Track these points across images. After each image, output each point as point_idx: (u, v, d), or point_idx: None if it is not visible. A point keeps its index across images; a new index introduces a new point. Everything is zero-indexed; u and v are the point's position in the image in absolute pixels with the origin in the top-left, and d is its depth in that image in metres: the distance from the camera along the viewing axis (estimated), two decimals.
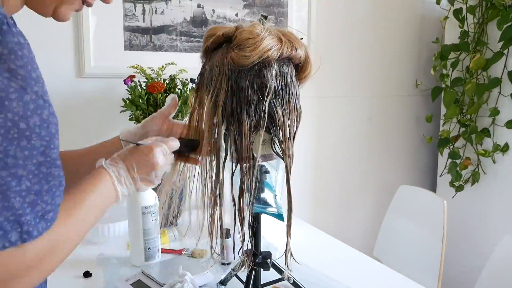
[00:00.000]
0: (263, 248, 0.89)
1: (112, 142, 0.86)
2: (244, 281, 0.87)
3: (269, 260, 0.87)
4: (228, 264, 1.09)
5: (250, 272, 0.85)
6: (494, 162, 1.73)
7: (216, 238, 0.78)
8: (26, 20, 0.76)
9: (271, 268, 0.87)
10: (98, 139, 0.95)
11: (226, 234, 1.08)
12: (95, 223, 0.64)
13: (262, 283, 0.90)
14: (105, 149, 0.85)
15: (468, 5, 1.74)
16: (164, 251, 1.16)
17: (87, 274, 1.04)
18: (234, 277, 0.94)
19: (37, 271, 0.51)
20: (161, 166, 0.70)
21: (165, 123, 0.85)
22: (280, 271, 0.89)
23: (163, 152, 0.71)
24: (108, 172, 0.66)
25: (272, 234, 1.24)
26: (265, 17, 0.76)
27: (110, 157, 0.71)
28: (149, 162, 0.69)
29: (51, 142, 0.50)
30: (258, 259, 0.85)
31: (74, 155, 0.85)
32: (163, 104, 1.29)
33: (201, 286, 0.97)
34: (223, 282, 0.94)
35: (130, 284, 0.95)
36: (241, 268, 0.83)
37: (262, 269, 0.88)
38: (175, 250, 1.18)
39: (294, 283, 0.89)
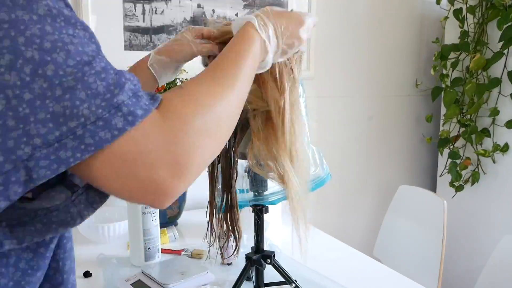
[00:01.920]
0: (267, 249, 0.89)
1: (141, 69, 0.75)
2: (253, 279, 0.86)
3: (269, 259, 0.86)
4: (228, 264, 1.09)
5: (245, 269, 0.86)
6: (494, 162, 1.73)
7: (219, 238, 0.78)
8: None
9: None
10: None
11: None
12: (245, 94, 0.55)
13: (265, 282, 0.90)
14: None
15: (468, 5, 1.74)
16: (164, 251, 1.16)
17: (87, 274, 1.04)
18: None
19: (181, 145, 0.42)
20: (304, 43, 0.64)
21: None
22: (280, 272, 0.88)
23: (310, 27, 0.65)
24: (261, 35, 0.58)
25: (274, 235, 1.24)
26: None
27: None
28: (297, 34, 0.63)
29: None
30: (256, 257, 0.85)
31: None
32: None
33: (201, 286, 0.97)
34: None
35: (130, 284, 0.95)
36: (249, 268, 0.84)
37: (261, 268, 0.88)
38: (175, 250, 1.18)
39: None
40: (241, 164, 0.78)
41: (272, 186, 0.83)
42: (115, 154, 0.39)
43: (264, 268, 0.87)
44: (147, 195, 0.42)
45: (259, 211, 0.84)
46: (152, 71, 0.75)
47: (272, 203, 0.83)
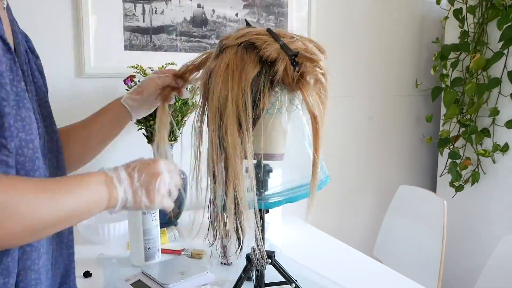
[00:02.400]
0: (268, 249, 0.89)
1: (114, 106, 0.90)
2: (253, 279, 0.86)
3: (269, 260, 0.86)
4: (228, 264, 1.09)
5: (245, 269, 0.85)
6: (494, 162, 1.73)
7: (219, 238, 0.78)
8: (27, 20, 0.76)
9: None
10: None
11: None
12: (72, 221, 0.57)
13: (266, 282, 0.90)
14: (106, 117, 0.89)
15: (468, 5, 1.74)
16: (164, 251, 1.16)
17: (87, 274, 1.04)
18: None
19: None
20: (163, 178, 0.65)
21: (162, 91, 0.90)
22: (280, 272, 0.88)
23: (168, 168, 0.67)
24: (107, 172, 0.61)
25: (274, 235, 1.24)
26: (246, 22, 0.83)
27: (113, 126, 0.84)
28: (150, 171, 0.64)
29: None
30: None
31: (69, 130, 0.85)
32: None
33: (201, 286, 0.97)
34: None
35: (130, 284, 0.95)
36: (249, 270, 0.84)
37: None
38: (175, 250, 1.18)
39: None
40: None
41: (273, 186, 0.83)
42: None
43: (265, 268, 0.87)
44: None
45: (259, 211, 0.84)
46: (126, 106, 0.89)
47: (273, 205, 0.83)
